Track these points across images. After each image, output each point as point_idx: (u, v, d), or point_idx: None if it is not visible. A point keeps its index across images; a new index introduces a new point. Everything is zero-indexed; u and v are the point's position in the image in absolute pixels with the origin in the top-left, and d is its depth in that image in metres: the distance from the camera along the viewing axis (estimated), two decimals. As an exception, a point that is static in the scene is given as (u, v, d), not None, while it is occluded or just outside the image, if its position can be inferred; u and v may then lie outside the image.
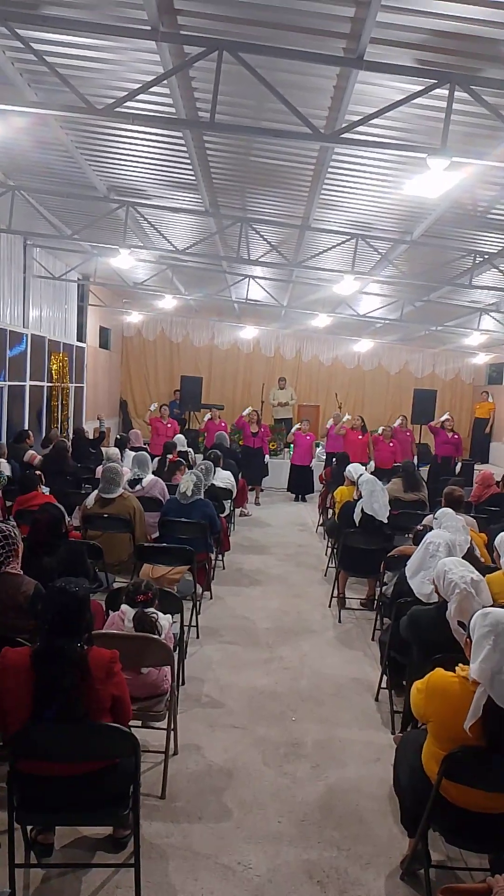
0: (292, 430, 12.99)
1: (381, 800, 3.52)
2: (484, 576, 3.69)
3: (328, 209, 8.13)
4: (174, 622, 4.00)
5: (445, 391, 18.16)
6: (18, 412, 10.24)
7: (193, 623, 5.51)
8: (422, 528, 5.37)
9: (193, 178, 7.53)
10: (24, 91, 5.70)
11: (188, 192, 8.20)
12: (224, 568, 7.71)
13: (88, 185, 8.27)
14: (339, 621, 6.24)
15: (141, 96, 4.96)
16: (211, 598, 6.57)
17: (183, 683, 4.59)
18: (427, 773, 2.72)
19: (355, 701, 4.68)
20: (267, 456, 12.51)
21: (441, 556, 3.95)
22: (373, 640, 5.70)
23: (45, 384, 11.37)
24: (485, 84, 4.56)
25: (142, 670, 3.46)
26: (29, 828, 2.90)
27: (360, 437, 11.88)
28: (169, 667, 3.57)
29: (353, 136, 5.21)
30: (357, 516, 6.33)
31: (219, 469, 8.35)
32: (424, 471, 12.09)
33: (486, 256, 8.93)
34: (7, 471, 7.44)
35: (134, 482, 6.85)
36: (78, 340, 13.76)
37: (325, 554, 8.32)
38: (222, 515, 7.43)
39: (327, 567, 7.84)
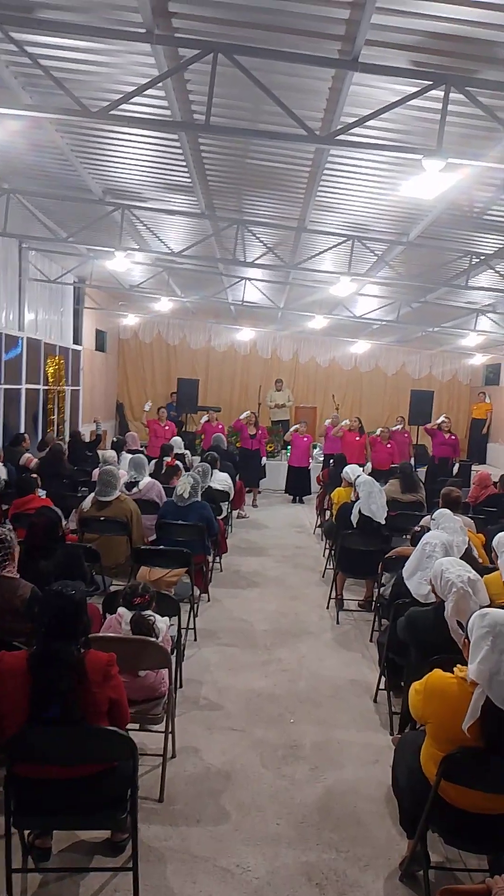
0: (290, 430, 13.00)
1: (380, 801, 3.52)
2: (482, 576, 3.69)
3: (324, 211, 8.14)
4: (171, 625, 4.00)
5: (442, 392, 18.20)
6: (14, 415, 10.22)
7: (191, 625, 5.51)
8: (419, 529, 5.37)
9: (189, 180, 7.53)
10: (19, 94, 5.70)
11: (184, 194, 8.20)
12: (222, 570, 7.70)
13: (84, 188, 8.27)
14: (337, 623, 6.23)
15: (136, 99, 4.96)
16: (208, 600, 6.56)
17: (181, 686, 4.57)
18: (426, 774, 2.71)
19: (353, 702, 4.68)
20: (264, 458, 12.51)
21: (438, 556, 3.95)
22: (371, 641, 5.69)
23: (41, 387, 11.35)
24: (480, 85, 4.58)
25: (139, 673, 3.45)
26: (26, 832, 2.89)
27: (357, 438, 11.90)
28: (166, 669, 3.55)
29: (349, 138, 5.21)
30: (355, 518, 6.32)
31: (216, 471, 8.34)
32: (422, 472, 12.09)
33: (483, 257, 8.95)
34: (3, 474, 7.41)
35: (130, 485, 6.85)
36: (74, 343, 13.75)
37: (323, 555, 8.32)
38: (220, 518, 7.42)
39: (325, 568, 7.84)
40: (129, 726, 2.87)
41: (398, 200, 7.28)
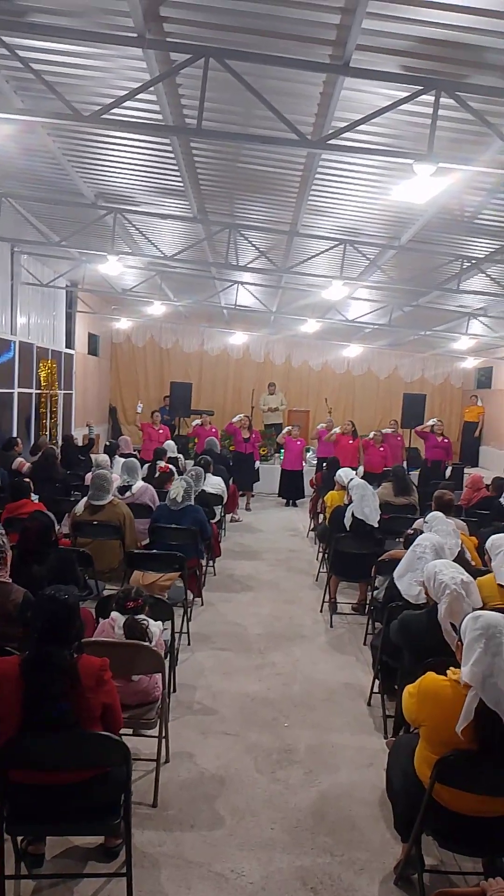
0: (283, 432, 13.02)
1: (374, 805, 3.52)
2: (475, 579, 3.70)
3: (316, 215, 8.16)
4: (165, 629, 3.99)
5: (435, 395, 18.25)
6: (7, 419, 10.19)
7: (184, 630, 5.50)
8: (412, 531, 5.37)
9: (181, 184, 7.54)
10: (11, 98, 5.69)
11: (176, 198, 8.20)
12: (215, 574, 7.69)
13: (76, 192, 8.26)
14: (331, 626, 6.23)
15: (128, 103, 4.97)
16: (202, 604, 6.55)
17: (174, 691, 4.57)
18: (420, 777, 2.71)
19: (347, 706, 4.68)
20: (258, 461, 12.52)
21: (428, 557, 3.97)
22: (364, 644, 5.69)
23: (34, 391, 11.32)
24: (470, 90, 4.60)
25: (133, 678, 3.44)
26: (19, 838, 2.88)
27: (350, 441, 11.92)
28: (160, 674, 3.55)
29: (340, 143, 5.22)
30: (348, 521, 6.33)
31: (209, 475, 8.34)
32: (415, 475, 12.13)
33: (474, 261, 8.99)
34: (-4, 479, 7.40)
35: (124, 489, 6.83)
36: (66, 347, 13.72)
37: (317, 559, 8.32)
38: (213, 521, 7.42)
39: (318, 572, 7.84)
40: (123, 731, 2.87)
41: (389, 204, 7.31)
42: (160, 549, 5.79)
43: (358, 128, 4.95)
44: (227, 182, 7.51)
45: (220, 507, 8.46)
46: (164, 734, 3.63)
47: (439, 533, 4.61)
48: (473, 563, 4.90)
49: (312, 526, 10.02)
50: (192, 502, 6.28)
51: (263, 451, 13.92)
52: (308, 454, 13.49)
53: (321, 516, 8.68)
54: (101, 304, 16.14)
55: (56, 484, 7.91)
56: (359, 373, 18.80)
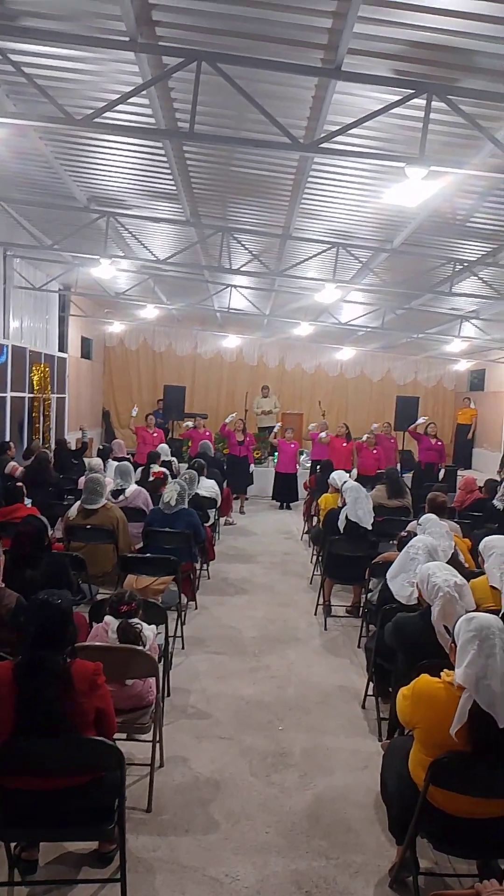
0: (274, 430, 13.04)
1: (369, 808, 3.51)
2: (468, 581, 3.71)
3: (309, 218, 8.18)
4: (159, 633, 3.98)
5: (428, 398, 18.31)
6: (-1, 423, 10.17)
7: (179, 633, 5.48)
8: (406, 534, 5.37)
9: (174, 187, 7.55)
10: (3, 102, 5.69)
11: (169, 201, 8.21)
12: (209, 577, 7.67)
13: (68, 196, 8.26)
14: (325, 629, 6.23)
15: (120, 107, 4.97)
16: (196, 608, 6.53)
17: (168, 695, 4.55)
18: (414, 779, 2.71)
19: (342, 709, 4.67)
20: (252, 464, 12.51)
21: (421, 559, 3.98)
22: (359, 647, 5.69)
23: (27, 395, 11.29)
24: (462, 94, 4.63)
25: (126, 682, 3.43)
26: (12, 844, 2.86)
27: (344, 444, 11.94)
28: (154, 678, 3.53)
29: (333, 146, 5.24)
30: (342, 523, 6.34)
31: (203, 478, 8.33)
32: (408, 477, 12.14)
33: (466, 264, 9.03)
34: (-12, 483, 7.36)
35: (117, 492, 6.81)
36: (59, 351, 13.69)
37: (311, 561, 8.32)
38: (207, 525, 7.40)
39: (313, 575, 7.84)
40: (117, 736, 2.85)
41: (382, 208, 7.33)
42: (154, 552, 5.78)
43: (350, 131, 4.97)
44: (220, 185, 7.52)
45: (213, 510, 8.45)
46: (158, 738, 3.62)
47: (433, 535, 4.61)
48: (467, 565, 4.91)
49: (306, 528, 10.02)
50: (186, 506, 6.27)
51: (257, 454, 13.93)
52: (302, 457, 13.50)
53: (315, 519, 8.69)
54: (94, 308, 16.12)
55: (49, 488, 7.89)
56: (352, 375, 18.84)
